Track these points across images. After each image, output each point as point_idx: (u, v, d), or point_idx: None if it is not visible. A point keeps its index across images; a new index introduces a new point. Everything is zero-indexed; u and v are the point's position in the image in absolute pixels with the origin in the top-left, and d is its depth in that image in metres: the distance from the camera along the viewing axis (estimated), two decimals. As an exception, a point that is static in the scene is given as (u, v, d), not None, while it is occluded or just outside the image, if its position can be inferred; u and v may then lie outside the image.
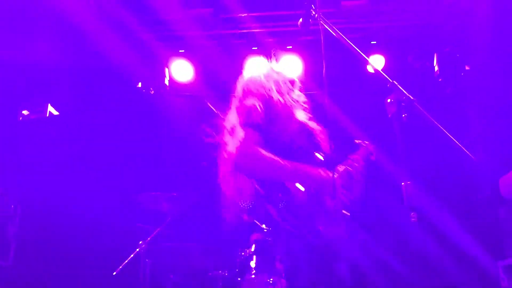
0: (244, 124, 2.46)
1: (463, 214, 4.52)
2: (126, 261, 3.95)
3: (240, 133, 2.45)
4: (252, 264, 3.98)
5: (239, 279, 4.00)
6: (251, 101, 2.54)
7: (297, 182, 2.38)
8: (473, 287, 4.23)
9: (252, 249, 4.05)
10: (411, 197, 2.41)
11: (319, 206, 2.41)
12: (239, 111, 2.59)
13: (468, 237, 4.27)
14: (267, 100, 2.58)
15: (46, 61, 5.16)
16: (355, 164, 2.84)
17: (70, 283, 4.79)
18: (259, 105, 2.51)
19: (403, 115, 2.54)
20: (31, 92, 5.15)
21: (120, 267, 3.92)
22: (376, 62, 5.31)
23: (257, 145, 2.37)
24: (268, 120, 2.48)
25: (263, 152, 2.34)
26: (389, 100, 2.60)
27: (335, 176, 2.58)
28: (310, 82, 5.67)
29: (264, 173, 2.35)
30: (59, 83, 5.27)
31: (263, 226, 4.05)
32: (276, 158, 2.33)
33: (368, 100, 4.88)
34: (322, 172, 2.45)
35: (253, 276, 3.94)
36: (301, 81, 5.45)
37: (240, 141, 2.40)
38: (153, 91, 5.30)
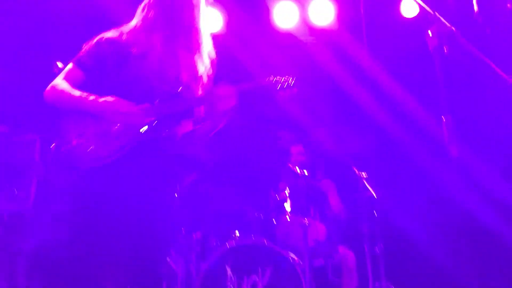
0: (75, 60, 2.33)
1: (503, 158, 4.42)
2: (163, 204, 4.05)
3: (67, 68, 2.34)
4: (287, 206, 4.07)
5: (274, 221, 4.10)
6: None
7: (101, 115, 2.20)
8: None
9: (287, 193, 4.12)
10: (451, 131, 2.39)
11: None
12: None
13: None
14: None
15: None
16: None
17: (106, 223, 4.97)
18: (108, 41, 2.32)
19: (445, 48, 2.47)
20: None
21: (158, 209, 4.03)
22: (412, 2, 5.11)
23: (69, 81, 2.28)
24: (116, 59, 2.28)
25: (65, 86, 2.25)
26: (430, 33, 2.52)
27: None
28: (344, 30, 5.53)
29: (65, 106, 2.25)
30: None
31: (297, 168, 4.10)
32: (80, 94, 2.21)
33: (407, 41, 4.74)
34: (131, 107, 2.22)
35: (288, 218, 4.03)
36: (334, 30, 5.33)
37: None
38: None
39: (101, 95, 2.22)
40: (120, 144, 2.17)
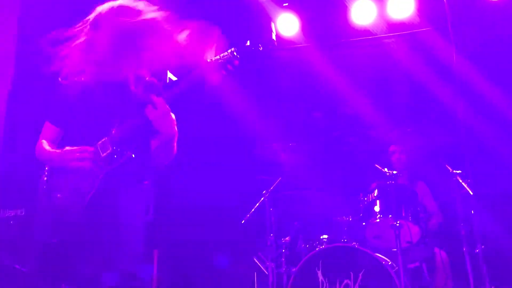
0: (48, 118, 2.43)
1: None
2: (252, 210, 4.15)
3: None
4: (376, 208, 3.96)
5: (363, 223, 4.01)
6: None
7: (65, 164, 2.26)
8: None
9: (375, 194, 4.02)
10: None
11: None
12: None
13: None
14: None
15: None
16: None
17: (201, 233, 5.16)
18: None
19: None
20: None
21: (247, 215, 4.13)
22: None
23: (46, 139, 2.40)
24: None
25: (45, 146, 2.38)
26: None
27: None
28: (425, 22, 5.28)
29: (49, 162, 2.37)
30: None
31: (385, 169, 3.98)
32: (51, 150, 2.35)
33: (496, 27, 4.42)
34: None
35: (378, 220, 3.92)
36: (414, 23, 5.13)
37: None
38: (261, 48, 5.33)
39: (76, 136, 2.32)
40: (90, 180, 2.22)
